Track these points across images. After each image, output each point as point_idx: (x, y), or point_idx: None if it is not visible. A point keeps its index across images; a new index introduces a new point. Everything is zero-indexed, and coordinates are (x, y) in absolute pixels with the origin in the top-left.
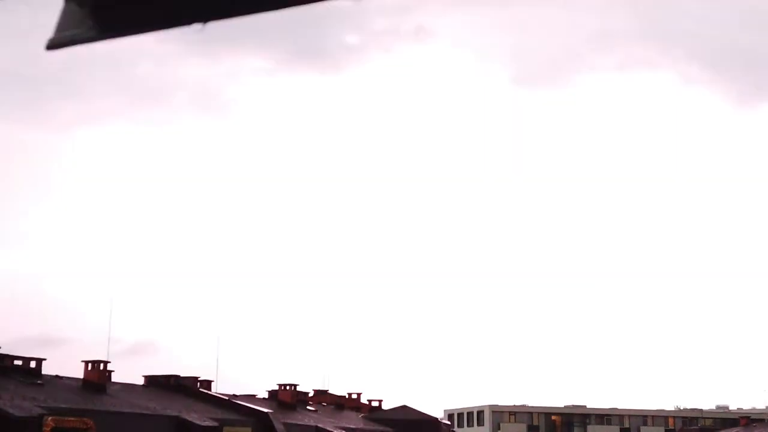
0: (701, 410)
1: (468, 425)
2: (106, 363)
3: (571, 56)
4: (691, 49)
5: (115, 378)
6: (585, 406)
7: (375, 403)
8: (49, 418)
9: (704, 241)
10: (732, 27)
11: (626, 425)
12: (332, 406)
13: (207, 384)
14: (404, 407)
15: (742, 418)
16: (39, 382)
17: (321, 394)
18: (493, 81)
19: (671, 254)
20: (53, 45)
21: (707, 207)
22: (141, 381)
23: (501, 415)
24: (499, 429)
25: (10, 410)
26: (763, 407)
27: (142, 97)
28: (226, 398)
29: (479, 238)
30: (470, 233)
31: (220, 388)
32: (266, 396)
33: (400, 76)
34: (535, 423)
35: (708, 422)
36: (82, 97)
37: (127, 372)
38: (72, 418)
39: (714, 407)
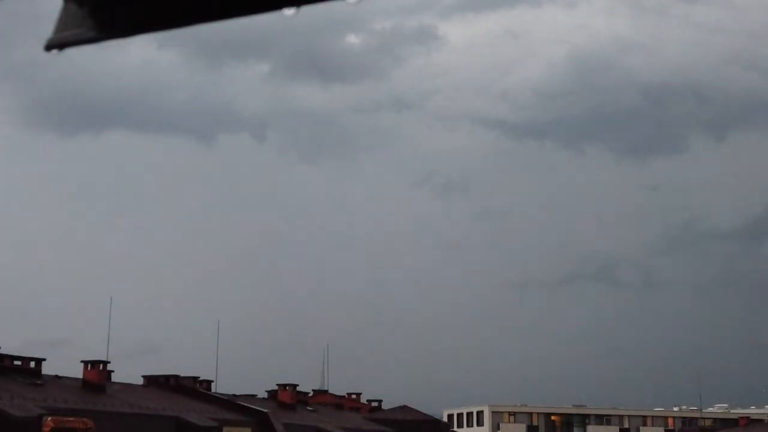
0: (701, 410)
1: (468, 425)
2: (105, 363)
3: None
4: None
5: (115, 378)
6: (585, 406)
7: (375, 403)
8: (49, 418)
9: None
10: None
11: (626, 425)
12: (332, 406)
13: (207, 384)
14: (404, 407)
15: (742, 418)
16: (39, 382)
17: (321, 394)
18: None
19: None
20: (52, 45)
21: None
22: (141, 381)
23: (501, 415)
24: (498, 429)
25: (10, 410)
26: (763, 407)
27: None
28: (226, 398)
29: (480, 238)
30: (470, 234)
31: (220, 388)
32: (266, 396)
33: None
34: (535, 423)
35: (708, 422)
36: None
37: (127, 372)
38: (72, 419)
39: (714, 407)
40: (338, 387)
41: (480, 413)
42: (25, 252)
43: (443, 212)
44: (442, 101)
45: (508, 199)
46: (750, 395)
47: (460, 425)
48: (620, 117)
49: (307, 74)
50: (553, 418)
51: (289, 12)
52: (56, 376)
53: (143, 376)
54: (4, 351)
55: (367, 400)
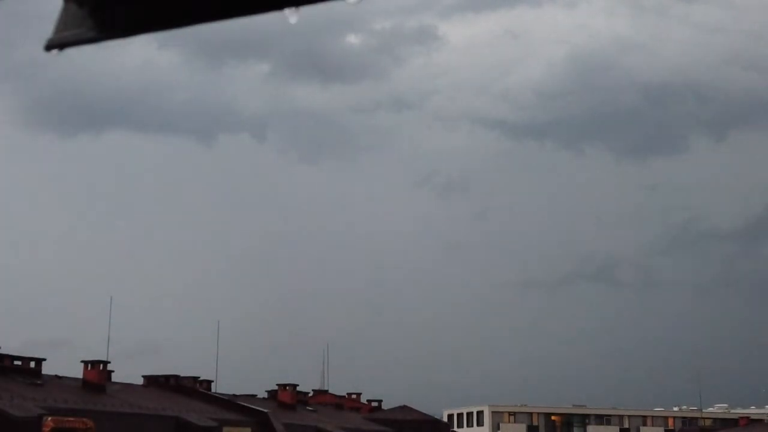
0: (701, 410)
1: (468, 425)
2: (105, 363)
3: None
4: None
5: (115, 378)
6: (585, 406)
7: (375, 403)
8: (49, 418)
9: None
10: None
11: (626, 425)
12: (332, 406)
13: (207, 384)
14: (404, 407)
15: (742, 418)
16: (39, 382)
17: (321, 394)
18: None
19: None
20: (52, 45)
21: None
22: (141, 381)
23: (501, 415)
24: (498, 429)
25: (10, 410)
26: (763, 407)
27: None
28: (226, 398)
29: (480, 238)
30: (470, 234)
31: (220, 388)
32: (266, 396)
33: None
34: (535, 423)
35: (708, 422)
36: None
37: (127, 372)
38: (72, 418)
39: (714, 407)
40: (338, 387)
41: (480, 413)
42: (25, 252)
43: (443, 212)
44: (442, 101)
45: (508, 199)
46: (750, 395)
47: (460, 425)
48: (620, 117)
49: (307, 74)
50: (553, 418)
51: (289, 14)
52: (56, 376)
53: (143, 376)
54: (4, 351)
55: (367, 400)
